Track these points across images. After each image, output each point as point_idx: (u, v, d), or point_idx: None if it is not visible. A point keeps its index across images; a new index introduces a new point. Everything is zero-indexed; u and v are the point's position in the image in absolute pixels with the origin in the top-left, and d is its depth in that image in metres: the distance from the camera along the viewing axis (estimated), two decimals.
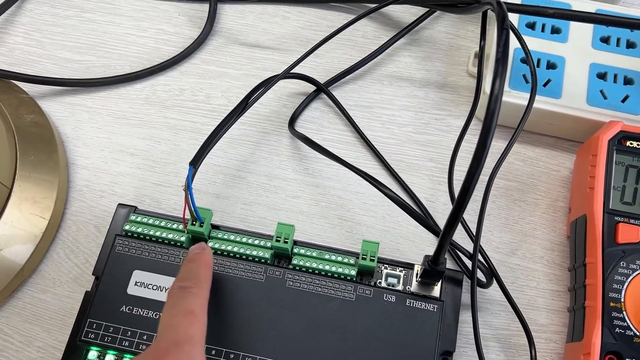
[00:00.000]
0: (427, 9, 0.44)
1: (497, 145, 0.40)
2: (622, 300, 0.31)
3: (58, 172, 0.38)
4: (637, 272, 0.32)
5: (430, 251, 0.30)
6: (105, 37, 0.44)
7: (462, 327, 0.34)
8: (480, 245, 0.36)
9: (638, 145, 0.34)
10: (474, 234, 0.36)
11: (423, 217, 0.33)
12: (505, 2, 0.36)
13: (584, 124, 0.37)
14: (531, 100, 0.34)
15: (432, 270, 0.31)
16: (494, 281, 0.34)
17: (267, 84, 0.38)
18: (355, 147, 0.41)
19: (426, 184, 0.39)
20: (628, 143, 0.34)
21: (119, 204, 0.36)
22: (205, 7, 0.45)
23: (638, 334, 0.31)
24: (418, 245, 0.38)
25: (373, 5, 0.42)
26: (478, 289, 0.35)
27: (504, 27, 0.27)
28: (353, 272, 0.33)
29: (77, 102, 0.42)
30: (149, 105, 0.42)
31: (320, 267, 0.33)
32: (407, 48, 0.44)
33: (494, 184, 0.39)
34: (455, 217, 0.27)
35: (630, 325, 0.31)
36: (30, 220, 0.36)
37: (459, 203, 0.26)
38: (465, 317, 0.35)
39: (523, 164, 0.40)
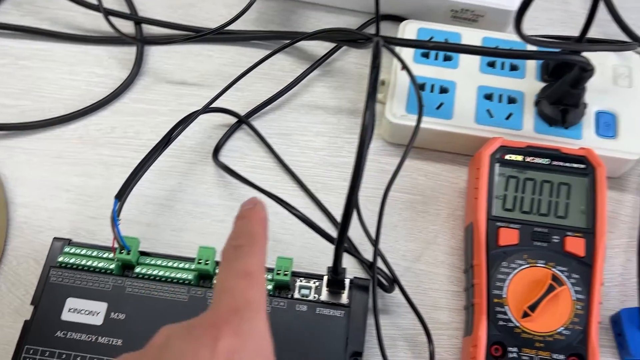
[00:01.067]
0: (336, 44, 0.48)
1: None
2: (504, 296, 0.36)
3: None
4: (517, 270, 0.36)
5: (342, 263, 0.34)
6: (40, 82, 0.48)
7: (372, 329, 0.38)
8: (383, 255, 0.40)
9: (517, 158, 0.39)
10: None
11: (327, 233, 0.37)
12: (393, 37, 0.40)
13: (474, 141, 0.42)
14: (418, 123, 0.38)
15: (334, 279, 0.35)
16: (396, 286, 0.38)
17: (187, 120, 0.42)
18: (276, 172, 0.44)
19: (340, 202, 0.43)
20: (507, 156, 0.39)
21: (55, 237, 0.39)
22: (133, 50, 0.49)
23: (519, 325, 0.35)
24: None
25: (287, 41, 0.46)
26: (385, 293, 0.39)
27: (374, 66, 0.31)
28: (269, 287, 0.37)
29: (14, 145, 0.45)
30: (82, 144, 0.45)
31: None
32: (320, 79, 0.48)
33: (401, 198, 0.43)
34: (342, 233, 0.31)
35: (512, 318, 0.35)
36: None
37: (343, 223, 0.30)
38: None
39: (426, 179, 0.44)
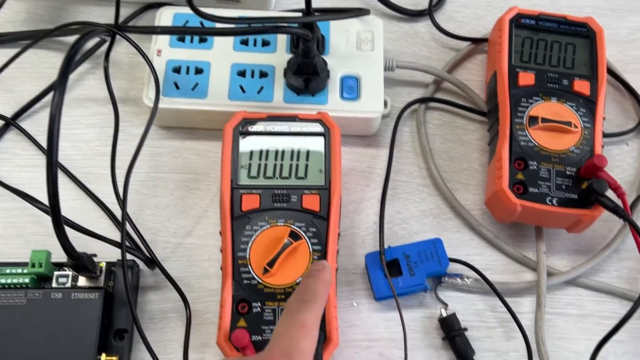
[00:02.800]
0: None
1: (173, 145, 0.46)
2: (248, 256, 0.38)
3: None
4: (259, 231, 0.39)
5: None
6: None
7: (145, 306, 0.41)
8: (142, 235, 0.42)
9: (258, 128, 0.42)
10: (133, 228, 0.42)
11: (72, 223, 0.39)
12: (129, 26, 0.42)
13: (228, 116, 0.43)
14: (155, 105, 0.41)
15: (77, 264, 0.36)
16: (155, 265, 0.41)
17: None
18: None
19: (112, 190, 0.45)
20: (250, 128, 0.42)
21: None
22: None
23: (261, 281, 0.38)
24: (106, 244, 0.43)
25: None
26: (156, 270, 0.41)
27: (66, 59, 0.33)
28: (26, 280, 0.38)
29: None
30: None
31: None
32: (91, 72, 0.49)
33: (173, 178, 0.46)
34: (55, 220, 0.32)
35: (255, 276, 0.38)
36: None
37: (52, 207, 0.32)
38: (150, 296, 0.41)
39: (197, 158, 0.46)
